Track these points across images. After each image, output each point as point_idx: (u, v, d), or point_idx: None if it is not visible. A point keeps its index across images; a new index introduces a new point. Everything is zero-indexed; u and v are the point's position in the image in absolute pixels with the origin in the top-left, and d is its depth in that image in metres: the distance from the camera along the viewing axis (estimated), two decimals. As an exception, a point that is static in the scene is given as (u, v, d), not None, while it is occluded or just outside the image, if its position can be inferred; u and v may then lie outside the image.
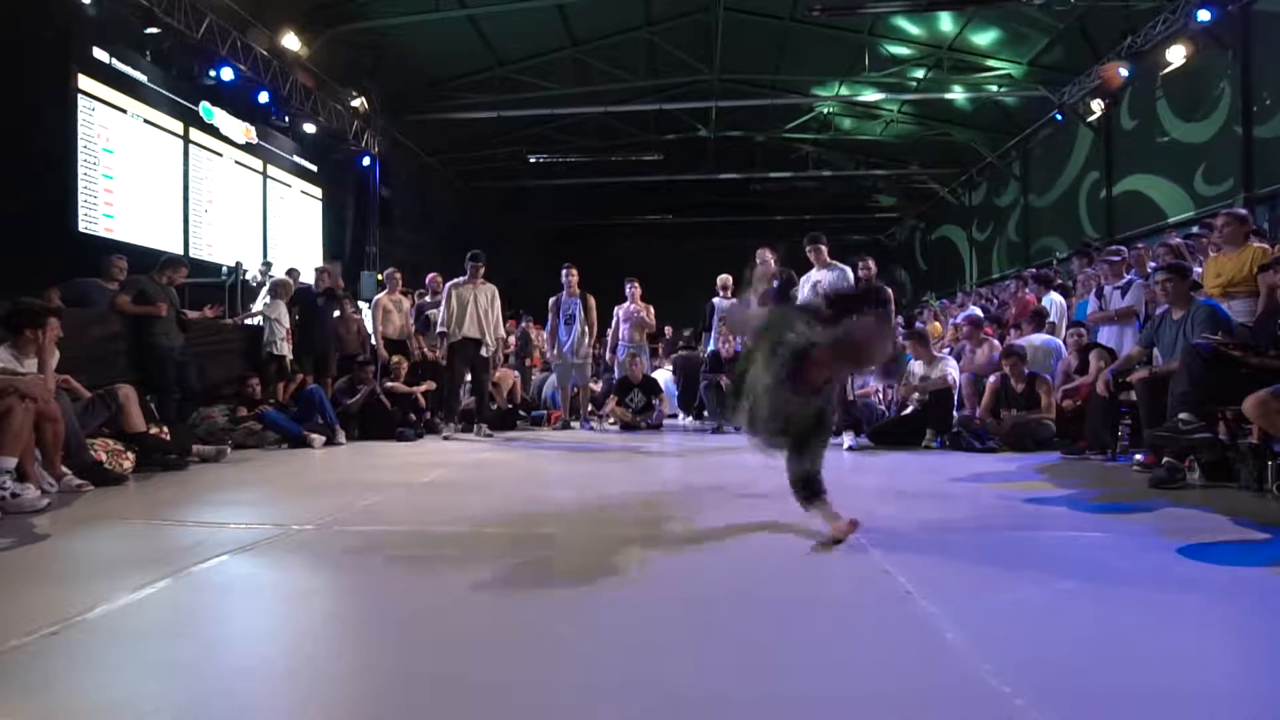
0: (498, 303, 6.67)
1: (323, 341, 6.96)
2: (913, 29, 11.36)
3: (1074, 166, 12.44)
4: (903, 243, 20.88)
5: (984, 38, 11.24)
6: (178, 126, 8.90)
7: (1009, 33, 10.97)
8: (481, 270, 6.60)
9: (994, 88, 12.29)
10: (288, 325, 6.79)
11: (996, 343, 6.34)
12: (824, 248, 5.85)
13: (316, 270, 7.51)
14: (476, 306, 6.46)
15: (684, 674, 1.37)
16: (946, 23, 10.97)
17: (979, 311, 8.48)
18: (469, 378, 6.80)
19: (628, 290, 7.86)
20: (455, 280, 6.61)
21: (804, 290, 5.94)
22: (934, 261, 19.11)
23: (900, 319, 8.91)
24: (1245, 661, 1.48)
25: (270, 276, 8.70)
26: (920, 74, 12.43)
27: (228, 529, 2.64)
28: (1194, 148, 9.51)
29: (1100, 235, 11.13)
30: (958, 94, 12.61)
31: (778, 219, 19.20)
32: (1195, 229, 6.64)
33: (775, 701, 1.25)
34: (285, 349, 6.74)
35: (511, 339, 9.70)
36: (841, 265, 5.93)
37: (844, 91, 13.54)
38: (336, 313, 7.17)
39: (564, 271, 7.53)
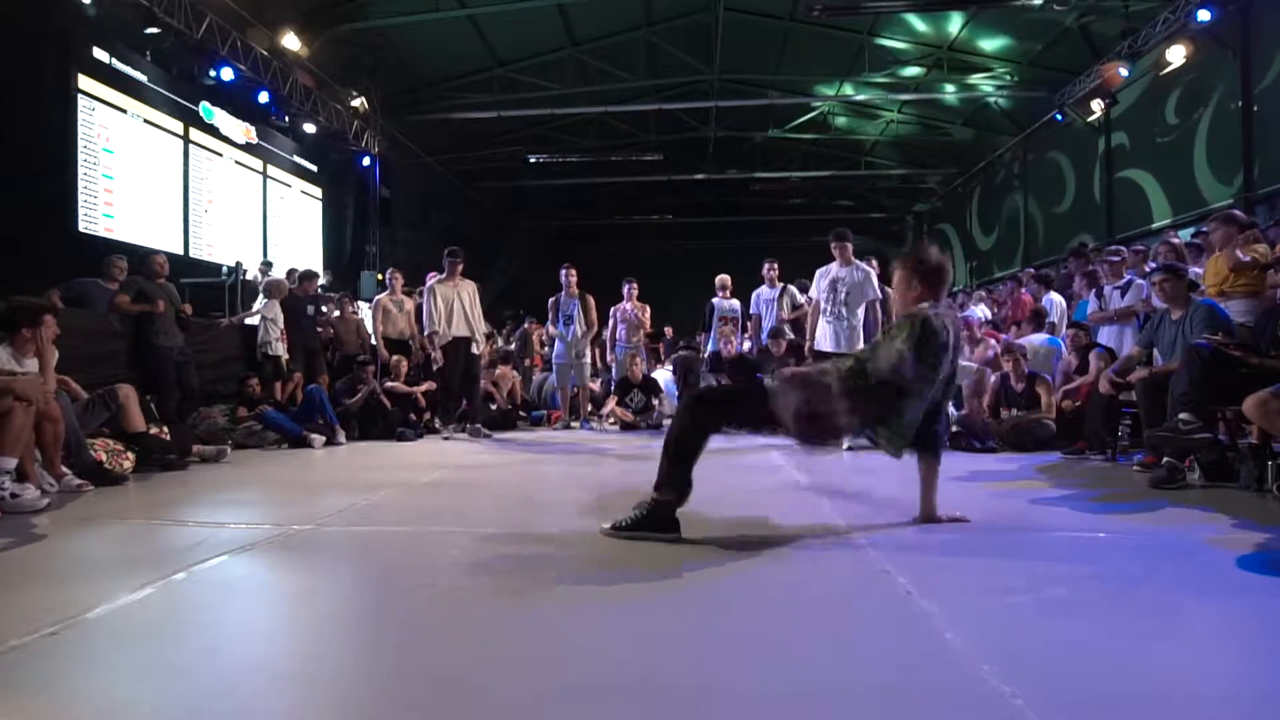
0: (478, 298, 6.63)
1: (308, 340, 7.06)
2: (912, 29, 11.35)
3: (1074, 166, 12.45)
4: (906, 235, 20.86)
5: (984, 37, 11.24)
6: (178, 126, 8.90)
7: (1009, 32, 10.97)
8: (460, 267, 6.52)
9: (994, 88, 12.29)
10: (282, 325, 6.80)
11: (993, 341, 6.34)
12: (849, 245, 5.59)
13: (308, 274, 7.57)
14: (461, 304, 6.41)
15: (684, 672, 1.37)
16: (946, 22, 10.97)
17: (979, 314, 8.47)
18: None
19: (625, 290, 7.86)
20: (434, 279, 6.55)
21: (820, 285, 5.73)
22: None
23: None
24: (1244, 663, 1.48)
25: (269, 277, 8.70)
26: (920, 74, 12.44)
27: (228, 529, 2.64)
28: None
29: (1099, 236, 11.14)
30: (957, 94, 12.61)
31: (778, 219, 19.22)
32: (1204, 227, 6.62)
33: (776, 701, 1.25)
34: (280, 349, 6.75)
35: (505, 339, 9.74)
36: (865, 265, 5.68)
37: (844, 91, 13.54)
38: (311, 309, 7.23)
39: (563, 272, 7.52)
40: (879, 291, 5.60)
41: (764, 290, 7.36)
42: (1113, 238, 10.59)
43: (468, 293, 6.51)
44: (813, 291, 5.87)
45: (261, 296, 7.25)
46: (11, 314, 3.60)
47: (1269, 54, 8.36)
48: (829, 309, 5.54)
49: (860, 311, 5.51)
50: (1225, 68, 8.91)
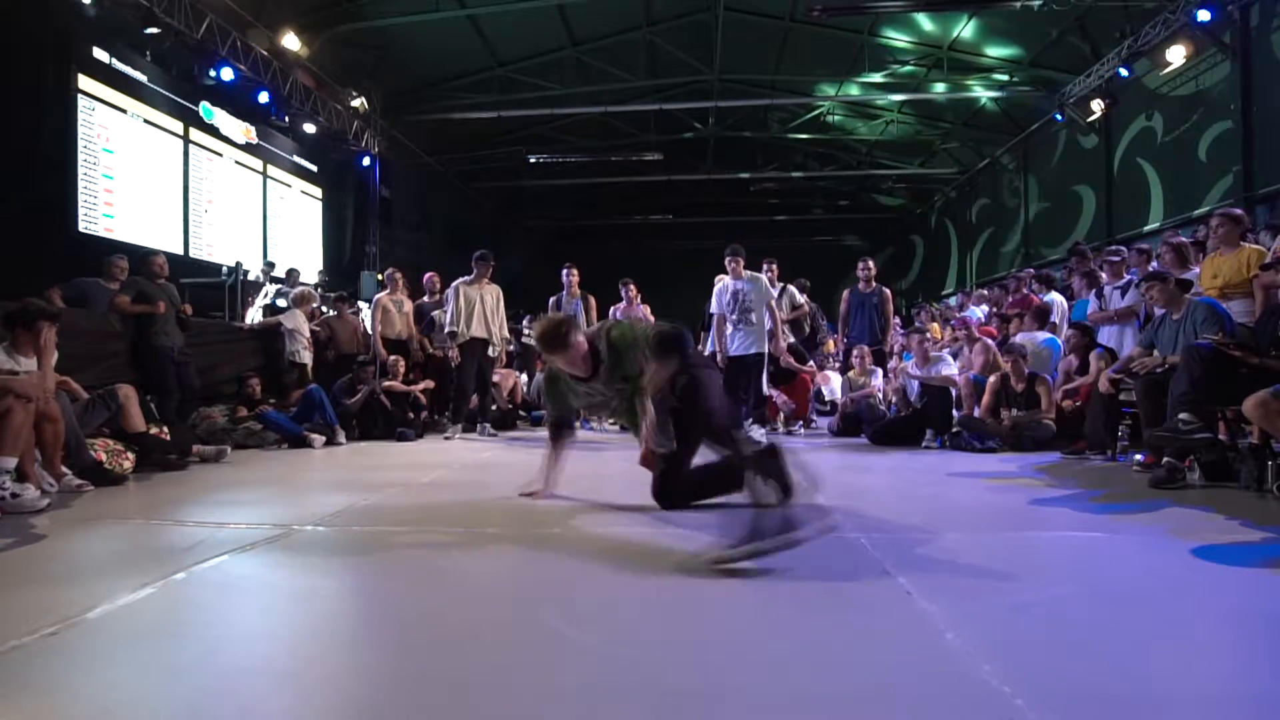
0: (502, 303, 6.68)
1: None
2: (912, 29, 11.36)
3: (1073, 166, 12.44)
4: (904, 234, 20.89)
5: (984, 38, 11.24)
6: (178, 126, 8.90)
7: (1009, 33, 10.98)
8: (489, 270, 6.59)
9: (994, 88, 12.29)
10: (307, 334, 6.83)
11: (990, 342, 6.34)
12: (741, 260, 6.12)
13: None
14: (483, 307, 6.45)
15: (684, 673, 1.37)
16: (946, 23, 10.98)
17: (978, 314, 8.47)
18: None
19: (624, 292, 7.86)
20: (461, 279, 6.62)
21: (722, 299, 6.16)
22: (932, 260, 19.14)
23: (899, 319, 8.91)
24: (1244, 663, 1.48)
25: (272, 278, 8.70)
26: (920, 74, 12.44)
27: (228, 529, 2.64)
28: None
29: (1099, 237, 11.14)
30: (957, 94, 12.62)
31: (778, 219, 19.23)
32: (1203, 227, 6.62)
33: (776, 701, 1.25)
34: (306, 357, 6.79)
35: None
36: (759, 275, 6.21)
37: (844, 91, 13.54)
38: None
39: (564, 271, 7.52)
40: (773, 293, 6.32)
41: None
42: (1112, 237, 10.59)
43: (492, 296, 6.55)
44: (713, 306, 6.31)
45: (268, 298, 7.28)
46: (9, 315, 3.60)
47: (1268, 53, 8.36)
48: (735, 317, 6.06)
49: (764, 314, 6.05)
50: (1224, 68, 8.91)
